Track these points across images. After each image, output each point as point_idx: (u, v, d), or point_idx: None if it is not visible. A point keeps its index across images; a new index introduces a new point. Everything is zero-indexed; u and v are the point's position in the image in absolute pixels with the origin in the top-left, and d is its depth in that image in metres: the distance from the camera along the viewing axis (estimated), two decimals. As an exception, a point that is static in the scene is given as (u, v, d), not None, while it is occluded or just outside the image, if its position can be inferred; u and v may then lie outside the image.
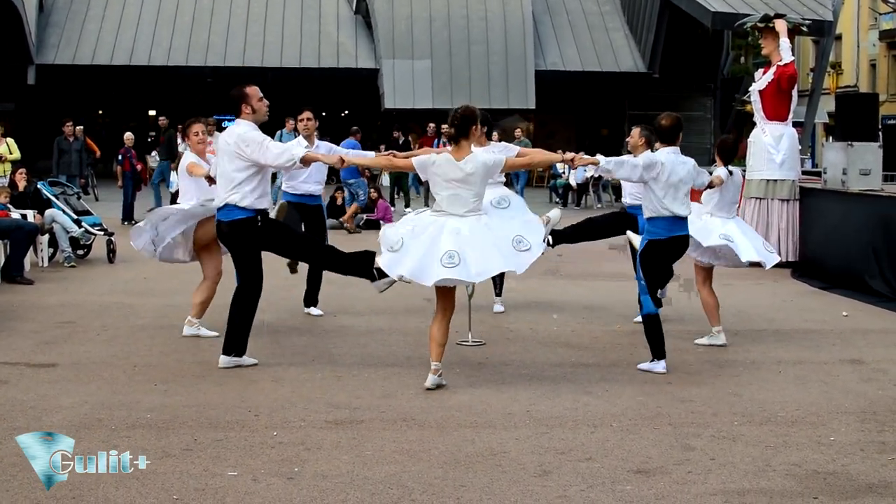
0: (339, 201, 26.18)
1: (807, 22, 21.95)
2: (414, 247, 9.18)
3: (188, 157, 11.52)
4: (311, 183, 12.72)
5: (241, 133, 9.87)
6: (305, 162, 10.02)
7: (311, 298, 13.02)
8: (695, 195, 11.24)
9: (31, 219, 16.65)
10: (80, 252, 17.82)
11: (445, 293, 9.40)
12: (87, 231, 17.66)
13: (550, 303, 14.18)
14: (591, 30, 43.58)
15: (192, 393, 9.06)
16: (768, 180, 17.86)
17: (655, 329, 10.17)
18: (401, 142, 29.72)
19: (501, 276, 12.85)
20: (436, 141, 30.62)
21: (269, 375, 9.73)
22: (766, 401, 9.10)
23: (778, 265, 17.41)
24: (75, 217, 17.68)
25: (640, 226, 12.35)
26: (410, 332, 11.90)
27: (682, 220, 10.20)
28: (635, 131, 12.36)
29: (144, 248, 11.60)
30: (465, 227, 9.18)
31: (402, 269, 9.15)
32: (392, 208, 27.25)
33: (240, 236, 9.97)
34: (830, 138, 27.98)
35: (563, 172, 34.66)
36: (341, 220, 25.10)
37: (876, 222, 15.22)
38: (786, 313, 13.78)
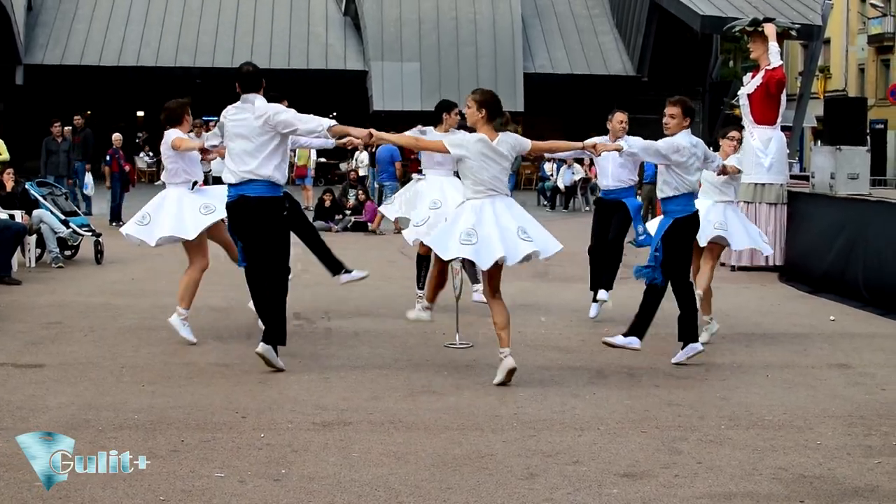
0: (328, 203, 26.17)
1: (796, 26, 21.99)
2: (487, 233, 9.36)
3: (172, 134, 11.30)
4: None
5: (261, 106, 9.89)
6: (335, 134, 9.96)
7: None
8: None
9: (18, 219, 16.62)
10: (68, 253, 17.80)
11: (494, 273, 9.61)
12: (74, 232, 17.64)
13: (538, 306, 14.18)
14: (580, 33, 43.64)
15: (179, 394, 9.04)
16: (756, 184, 17.88)
17: (654, 305, 10.51)
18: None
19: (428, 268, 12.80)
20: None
21: (256, 377, 9.72)
22: (753, 404, 9.11)
23: (765, 269, 17.57)
24: (63, 218, 17.66)
25: (631, 207, 12.53)
26: (398, 335, 11.89)
27: (694, 196, 10.60)
28: (623, 116, 12.52)
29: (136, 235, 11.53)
30: (515, 208, 9.62)
31: (498, 252, 9.31)
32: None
33: (266, 212, 9.88)
34: (819, 142, 28.03)
35: (552, 175, 34.72)
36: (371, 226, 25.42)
37: (863, 227, 15.24)
38: (773, 317, 13.80)
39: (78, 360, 10.30)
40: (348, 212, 26.39)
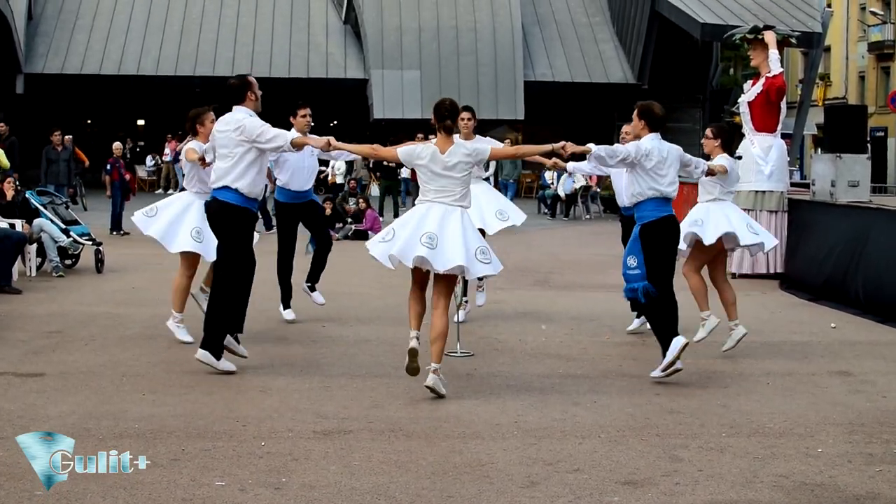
0: (329, 211, 26.17)
1: (796, 34, 22.00)
2: (401, 232, 9.45)
3: (190, 144, 11.59)
4: (303, 179, 12.93)
5: (241, 119, 10.10)
6: (296, 145, 10.16)
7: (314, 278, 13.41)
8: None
9: (19, 228, 16.62)
10: (68, 262, 17.79)
11: (419, 275, 9.62)
12: (75, 241, 17.64)
13: (539, 314, 14.17)
14: (581, 41, 43.65)
15: (179, 402, 9.04)
16: (757, 192, 17.89)
17: (660, 311, 10.24)
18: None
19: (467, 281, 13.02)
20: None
21: (256, 385, 9.72)
22: (754, 412, 9.10)
23: (766, 277, 17.56)
24: (63, 227, 17.66)
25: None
26: (399, 343, 11.85)
27: (668, 202, 10.31)
28: (625, 127, 12.45)
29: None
30: (453, 215, 9.45)
31: (392, 249, 9.36)
32: (381, 218, 27.25)
33: (229, 220, 10.12)
34: (819, 150, 28.06)
35: (552, 184, 34.73)
36: None
37: (864, 234, 15.23)
38: (774, 325, 13.79)
39: (78, 369, 10.30)
40: (350, 220, 26.39)
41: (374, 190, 34.15)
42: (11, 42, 38.31)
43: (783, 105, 18.29)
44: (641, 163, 10.16)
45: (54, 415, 8.56)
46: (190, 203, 11.58)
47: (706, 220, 11.46)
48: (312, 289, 13.37)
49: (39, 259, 17.49)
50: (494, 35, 41.91)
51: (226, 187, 10.08)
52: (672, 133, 43.47)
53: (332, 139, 10.39)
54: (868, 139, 22.02)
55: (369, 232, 25.69)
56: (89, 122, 50.47)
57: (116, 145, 26.85)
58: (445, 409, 9.01)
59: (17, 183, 18.50)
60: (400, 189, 31.76)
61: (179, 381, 9.86)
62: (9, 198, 17.74)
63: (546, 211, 35.00)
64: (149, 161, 44.38)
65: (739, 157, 12.19)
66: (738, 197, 17.80)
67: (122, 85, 42.62)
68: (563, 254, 22.19)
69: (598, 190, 35.09)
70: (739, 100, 18.78)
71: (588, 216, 34.16)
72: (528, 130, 45.98)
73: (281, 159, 12.65)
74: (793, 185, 20.60)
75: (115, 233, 24.33)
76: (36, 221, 17.28)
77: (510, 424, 8.55)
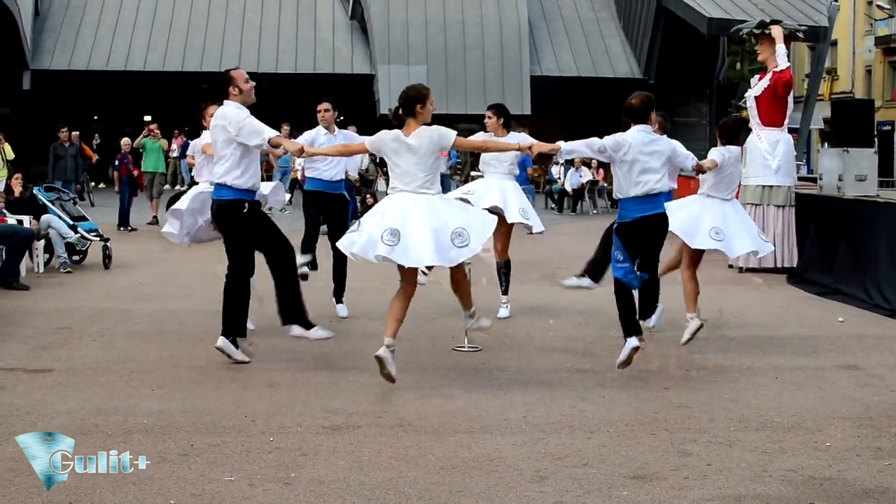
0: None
1: (802, 28, 22.00)
2: (366, 224, 9.45)
3: (204, 137, 11.81)
4: (331, 168, 12.98)
5: (226, 112, 10.26)
6: (273, 145, 10.23)
7: (339, 293, 13.37)
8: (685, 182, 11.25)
9: (26, 224, 16.65)
10: (76, 258, 17.81)
11: (406, 271, 9.61)
12: (82, 237, 17.66)
13: (546, 308, 14.17)
14: (587, 36, 43.64)
15: (188, 398, 9.05)
16: (764, 186, 17.87)
17: (626, 301, 10.26)
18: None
19: (507, 275, 13.02)
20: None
21: (265, 380, 9.73)
22: (763, 406, 9.10)
23: (774, 271, 17.55)
24: (71, 223, 17.68)
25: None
26: (407, 338, 11.85)
27: (652, 198, 10.06)
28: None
29: (173, 236, 11.98)
30: (416, 205, 9.37)
31: (354, 247, 9.41)
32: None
33: (228, 217, 10.30)
34: (826, 144, 28.03)
35: (559, 178, 34.74)
36: None
37: (871, 228, 15.22)
38: (782, 319, 13.78)
39: (87, 365, 10.32)
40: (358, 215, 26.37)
41: (381, 185, 34.13)
42: (18, 38, 38.34)
43: (790, 99, 18.28)
44: (621, 158, 9.96)
45: (63, 410, 8.57)
46: (204, 192, 11.72)
47: (700, 222, 11.37)
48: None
49: (47, 255, 17.52)
50: (501, 30, 41.89)
51: (220, 185, 10.30)
52: (678, 127, 43.46)
53: (305, 145, 10.68)
54: (875, 133, 21.94)
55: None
56: (96, 118, 50.51)
57: (124, 141, 26.91)
58: (454, 403, 9.02)
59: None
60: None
61: (188, 376, 9.88)
62: (17, 194, 17.77)
63: (553, 206, 35.00)
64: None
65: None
66: (745, 192, 17.83)
67: (129, 80, 42.65)
68: (571, 249, 22.14)
69: (606, 184, 35.09)
70: (746, 94, 18.77)
71: (595, 211, 34.17)
72: (535, 125, 45.92)
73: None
74: (800, 179, 20.58)
75: (122, 228, 24.36)
76: (44, 217, 17.31)
77: (518, 419, 8.55)
